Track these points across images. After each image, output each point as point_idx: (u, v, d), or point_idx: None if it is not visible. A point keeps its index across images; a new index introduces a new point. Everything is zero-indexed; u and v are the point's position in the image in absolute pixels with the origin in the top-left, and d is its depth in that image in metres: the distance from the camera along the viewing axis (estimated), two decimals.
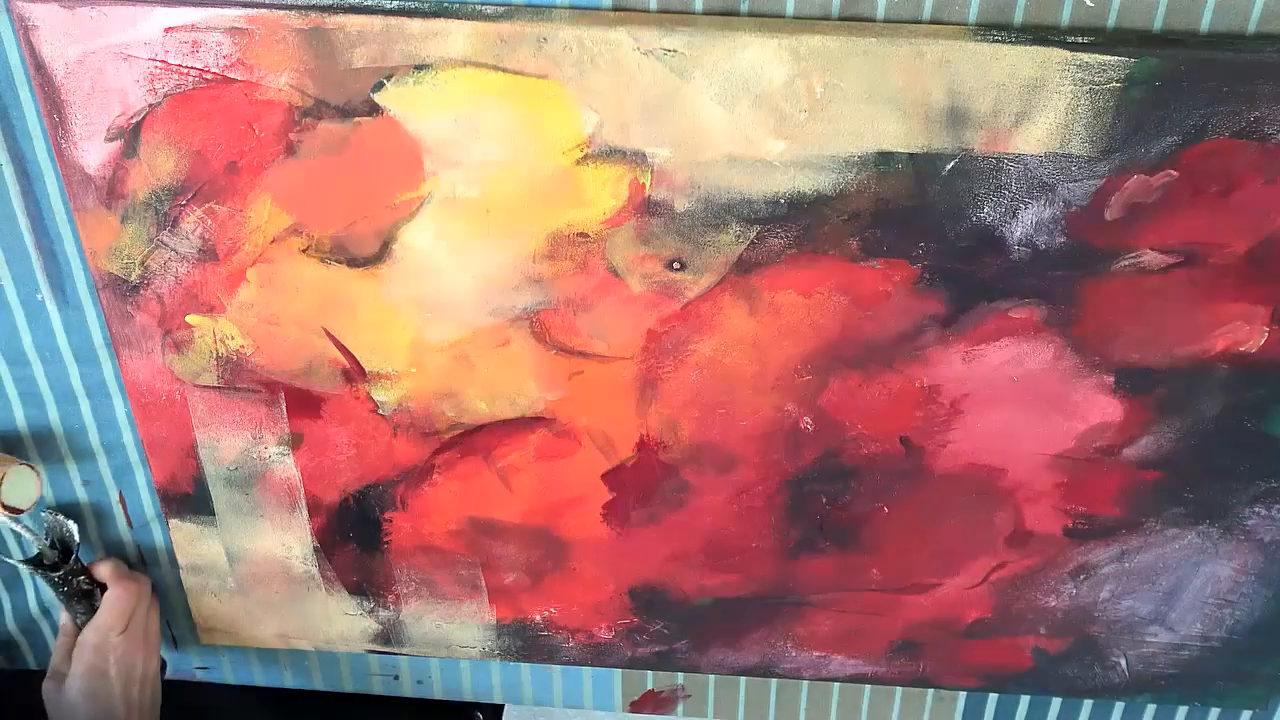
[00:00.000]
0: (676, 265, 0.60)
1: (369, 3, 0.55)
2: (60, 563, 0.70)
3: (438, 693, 0.81)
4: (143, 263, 0.62)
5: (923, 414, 0.64)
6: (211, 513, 0.72)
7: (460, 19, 0.54)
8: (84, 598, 0.72)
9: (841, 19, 0.54)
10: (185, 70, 0.56)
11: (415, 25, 0.54)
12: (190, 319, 0.64)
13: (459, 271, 0.61)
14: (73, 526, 0.71)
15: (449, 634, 0.76)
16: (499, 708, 0.85)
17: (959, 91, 0.54)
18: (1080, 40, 0.53)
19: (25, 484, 0.68)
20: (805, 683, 0.77)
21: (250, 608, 0.76)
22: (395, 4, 0.55)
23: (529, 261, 0.61)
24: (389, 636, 0.76)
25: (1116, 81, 0.53)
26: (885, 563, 0.70)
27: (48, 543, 0.71)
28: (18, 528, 0.70)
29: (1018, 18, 0.54)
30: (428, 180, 0.59)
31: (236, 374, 0.66)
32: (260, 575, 0.74)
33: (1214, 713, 0.76)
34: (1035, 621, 0.71)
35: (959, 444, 0.65)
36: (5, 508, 0.67)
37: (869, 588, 0.71)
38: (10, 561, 0.72)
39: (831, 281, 0.60)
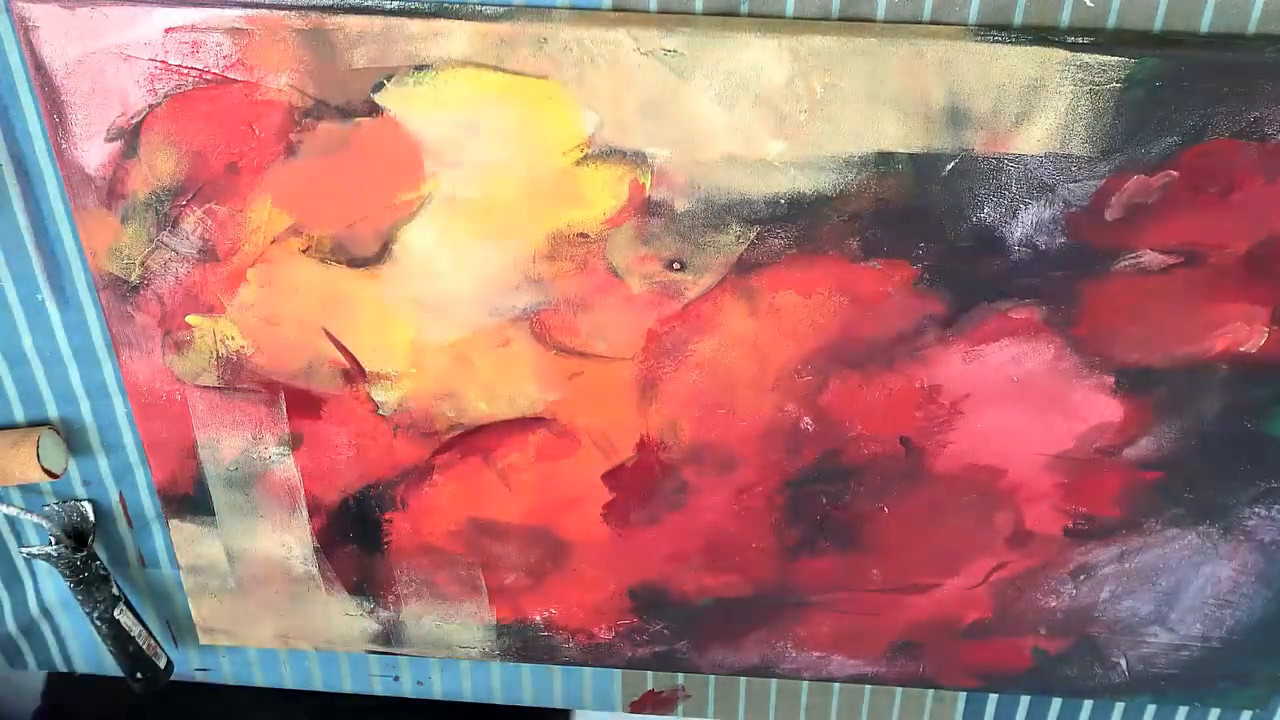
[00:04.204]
0: (676, 265, 0.60)
1: (369, 3, 0.55)
2: (75, 550, 0.71)
3: (438, 693, 0.81)
4: (143, 263, 0.62)
5: (923, 414, 0.64)
6: (211, 513, 0.72)
7: (460, 19, 0.54)
8: (101, 584, 0.72)
9: (841, 19, 0.54)
10: (185, 70, 0.56)
11: (415, 25, 0.54)
12: (190, 319, 0.64)
13: (459, 271, 0.61)
14: (87, 508, 0.72)
15: (449, 634, 0.76)
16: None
17: (959, 92, 0.54)
18: (1080, 40, 0.53)
19: (57, 449, 0.70)
20: (805, 683, 0.77)
21: (250, 608, 0.76)
22: (395, 4, 0.55)
23: (529, 261, 0.61)
24: (389, 637, 0.76)
25: (1116, 81, 0.53)
26: (885, 563, 0.70)
27: (60, 532, 0.72)
28: (33, 516, 0.71)
29: (1018, 18, 0.54)
30: (428, 180, 0.59)
31: (236, 374, 0.66)
32: (260, 575, 0.74)
33: (1214, 713, 0.76)
34: (1035, 622, 0.71)
35: (959, 444, 0.65)
36: (43, 469, 0.68)
37: (869, 588, 0.71)
38: (28, 551, 0.72)
39: (831, 281, 0.60)
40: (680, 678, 0.78)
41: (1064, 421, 0.63)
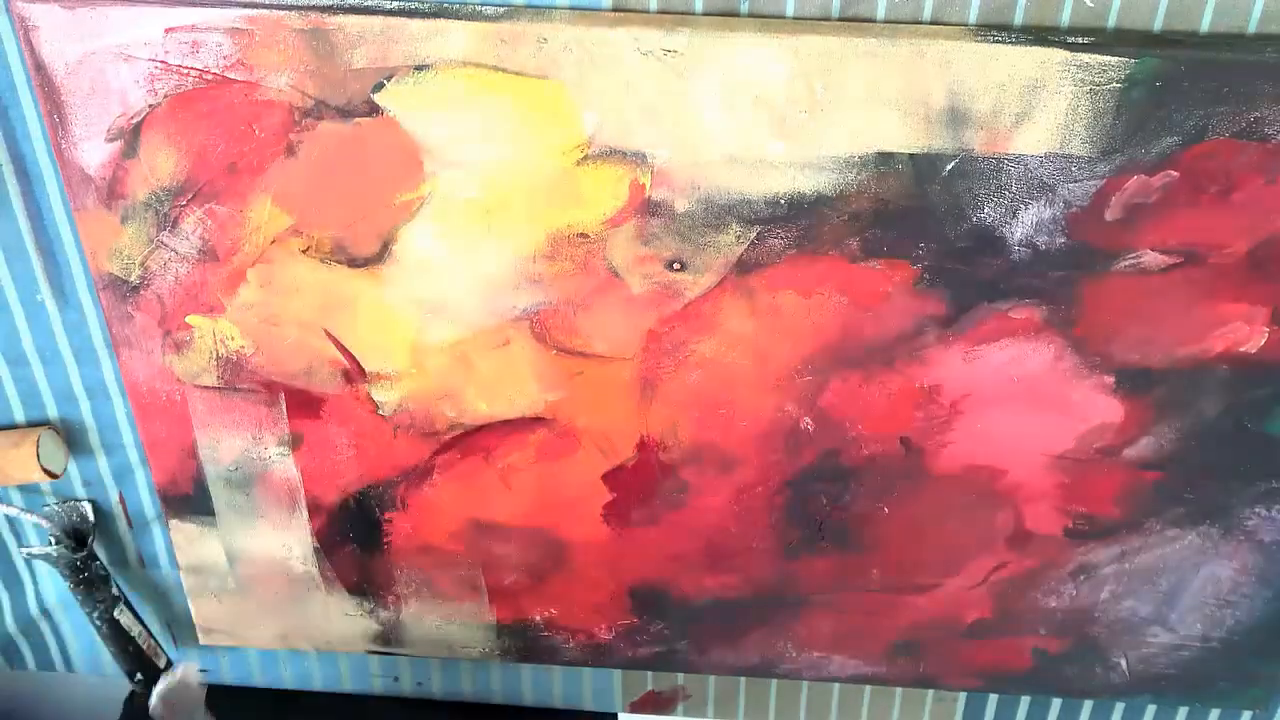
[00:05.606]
0: (676, 265, 0.60)
1: (369, 3, 0.55)
2: (75, 551, 0.71)
3: (438, 693, 0.81)
4: (143, 263, 0.62)
5: (923, 414, 0.64)
6: (211, 513, 0.72)
7: (460, 19, 0.54)
8: (101, 584, 0.72)
9: (841, 19, 0.54)
10: (185, 70, 0.56)
11: (415, 25, 0.54)
12: (190, 319, 0.64)
13: (459, 272, 0.61)
14: (87, 508, 0.72)
15: (449, 635, 0.76)
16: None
17: (959, 92, 0.54)
18: (1080, 40, 0.53)
19: (57, 449, 0.70)
20: (805, 683, 0.77)
21: (250, 608, 0.76)
22: (395, 4, 0.55)
23: (529, 261, 0.61)
24: (389, 637, 0.76)
25: (1116, 82, 0.53)
26: (885, 563, 0.70)
27: (60, 533, 0.72)
28: (33, 517, 0.71)
29: (1018, 18, 0.54)
30: (428, 180, 0.59)
31: (236, 374, 0.66)
32: (260, 575, 0.74)
33: (1214, 713, 0.76)
34: (1035, 622, 0.71)
35: (959, 444, 0.65)
36: (43, 470, 0.68)
37: (869, 588, 0.71)
38: (28, 551, 0.72)
39: (831, 282, 0.60)
40: (680, 678, 0.78)
41: (1064, 421, 0.63)
